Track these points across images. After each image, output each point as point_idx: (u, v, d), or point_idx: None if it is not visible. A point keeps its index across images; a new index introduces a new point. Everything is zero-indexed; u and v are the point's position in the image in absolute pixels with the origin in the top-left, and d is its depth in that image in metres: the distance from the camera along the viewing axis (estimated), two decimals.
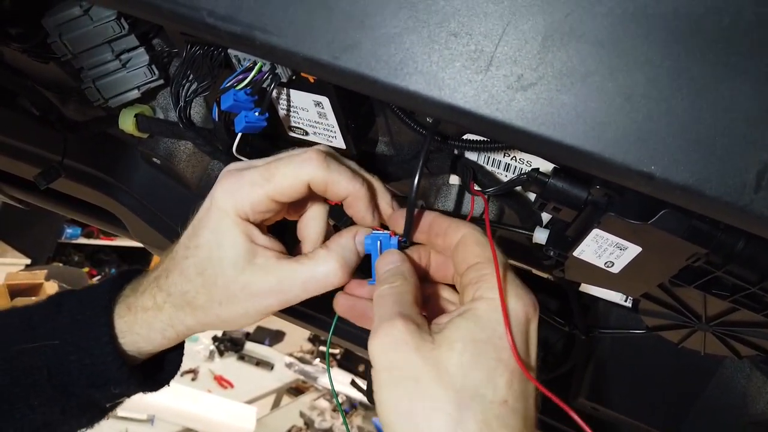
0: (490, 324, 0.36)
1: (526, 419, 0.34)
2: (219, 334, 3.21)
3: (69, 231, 3.77)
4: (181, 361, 0.53)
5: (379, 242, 0.43)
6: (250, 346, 3.29)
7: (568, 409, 0.34)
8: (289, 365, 3.22)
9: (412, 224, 0.42)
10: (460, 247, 0.41)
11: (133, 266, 0.52)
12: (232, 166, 0.43)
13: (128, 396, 0.49)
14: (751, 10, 0.30)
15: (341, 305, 0.44)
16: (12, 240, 3.51)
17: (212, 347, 3.10)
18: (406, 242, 0.43)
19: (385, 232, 0.43)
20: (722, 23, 0.30)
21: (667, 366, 0.61)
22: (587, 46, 0.32)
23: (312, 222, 0.46)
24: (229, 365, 3.06)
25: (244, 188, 0.41)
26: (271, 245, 0.43)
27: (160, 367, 0.51)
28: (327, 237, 0.46)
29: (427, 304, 0.44)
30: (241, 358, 3.17)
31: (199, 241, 0.43)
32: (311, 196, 0.43)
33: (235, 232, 0.42)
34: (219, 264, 0.42)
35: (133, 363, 0.47)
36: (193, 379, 2.78)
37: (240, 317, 0.44)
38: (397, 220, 0.43)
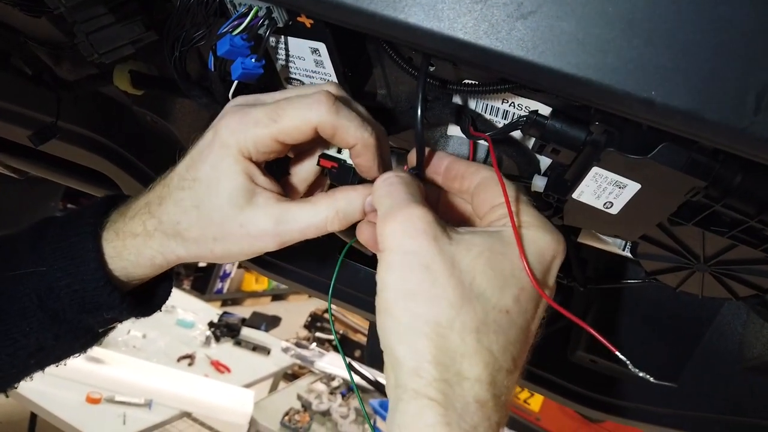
0: (512, 244, 0.36)
1: (523, 335, 0.35)
2: (215, 320, 3.20)
3: None
4: (171, 289, 0.53)
5: None
6: (247, 332, 3.29)
7: (585, 325, 0.35)
8: (285, 350, 3.22)
9: (423, 154, 0.42)
10: (480, 190, 0.41)
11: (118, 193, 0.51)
12: (239, 99, 0.43)
13: (120, 321, 0.50)
14: None
15: (366, 234, 0.42)
16: None
17: (208, 333, 3.10)
18: (418, 174, 0.43)
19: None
20: None
21: (665, 316, 0.62)
22: None
23: (307, 160, 0.46)
24: (225, 350, 3.06)
25: (249, 127, 0.41)
26: (270, 186, 0.43)
27: (150, 294, 0.51)
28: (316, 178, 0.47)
29: None
30: (238, 343, 3.17)
31: (197, 174, 0.42)
32: (318, 139, 0.43)
33: (236, 170, 0.41)
34: (217, 200, 0.42)
35: (124, 288, 0.47)
36: (189, 365, 2.78)
37: (233, 254, 0.44)
38: (409, 158, 0.43)
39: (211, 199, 0.42)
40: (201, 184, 0.42)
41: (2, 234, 0.48)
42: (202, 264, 5.09)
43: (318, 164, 0.45)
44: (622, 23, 0.32)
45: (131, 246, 0.45)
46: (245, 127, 0.41)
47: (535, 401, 2.76)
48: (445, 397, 0.32)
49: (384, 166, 0.43)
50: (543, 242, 0.37)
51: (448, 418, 0.32)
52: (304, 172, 0.47)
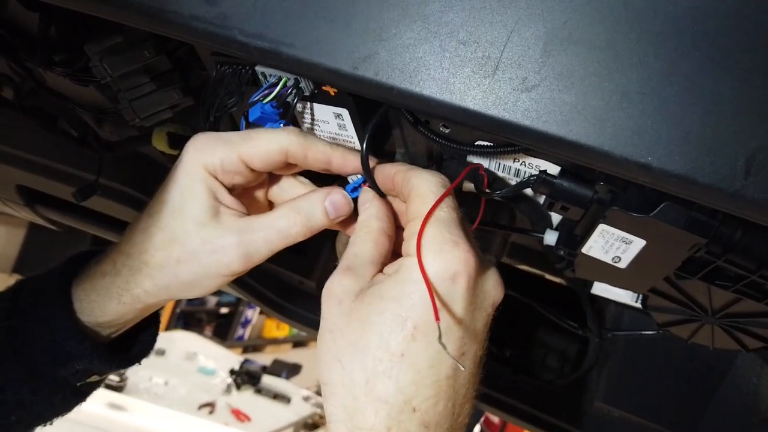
0: (404, 282, 0.36)
1: (429, 372, 0.34)
2: (236, 367, 3.21)
3: None
4: (154, 340, 0.52)
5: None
6: (267, 380, 3.29)
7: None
8: (306, 399, 3.20)
9: (368, 166, 0.43)
10: (409, 201, 0.40)
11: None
12: (210, 132, 0.45)
13: (99, 374, 0.48)
14: (735, 13, 0.33)
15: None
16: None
17: (229, 380, 3.11)
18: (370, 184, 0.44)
19: (359, 178, 0.45)
20: (707, 25, 0.33)
21: (681, 367, 0.62)
22: (585, 49, 0.35)
23: (286, 186, 0.47)
24: (246, 399, 3.06)
25: (218, 145, 0.42)
26: (235, 206, 0.44)
27: (131, 345, 0.50)
28: None
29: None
30: (258, 391, 3.17)
31: (163, 196, 0.42)
32: (295, 182, 0.46)
33: (201, 187, 0.42)
34: (180, 218, 0.42)
35: (96, 338, 0.46)
36: (210, 413, 2.79)
37: (200, 278, 0.42)
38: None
39: (175, 219, 0.42)
40: (166, 205, 0.42)
41: None
42: (224, 310, 5.14)
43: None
44: (617, 95, 0.34)
45: (99, 286, 0.44)
46: (214, 145, 0.42)
47: None
48: None
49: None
50: (435, 265, 0.35)
51: None
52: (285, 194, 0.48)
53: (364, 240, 0.40)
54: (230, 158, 0.42)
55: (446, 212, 0.38)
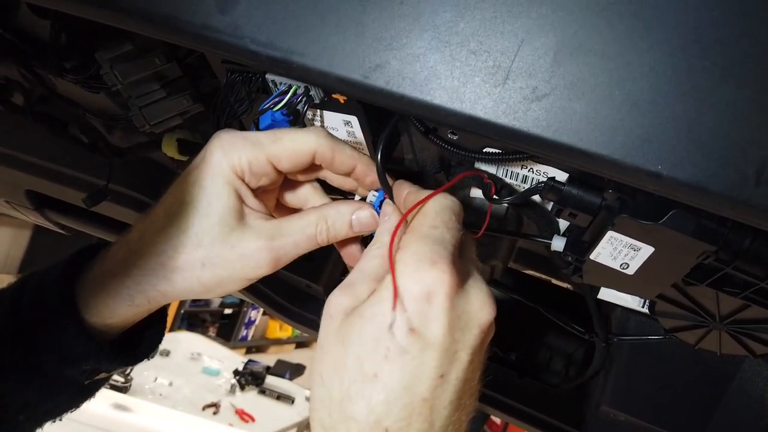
0: (381, 301, 0.35)
1: (404, 392, 0.33)
2: (240, 368, 3.22)
3: None
4: (161, 336, 0.51)
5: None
6: (271, 380, 3.29)
7: None
8: (309, 399, 3.21)
9: (386, 179, 0.44)
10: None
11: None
12: (229, 130, 0.43)
13: (107, 372, 0.47)
14: (745, 23, 0.33)
15: None
16: None
17: (233, 381, 3.12)
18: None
19: (380, 195, 0.45)
20: (717, 34, 0.33)
21: (687, 372, 0.63)
22: (595, 58, 0.35)
23: (303, 189, 0.47)
24: (250, 399, 3.06)
25: (246, 146, 0.40)
26: (260, 208, 0.43)
27: (138, 342, 0.48)
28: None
29: None
30: (262, 392, 3.18)
31: (184, 196, 0.40)
32: (307, 185, 0.45)
33: (228, 189, 0.40)
34: (206, 221, 0.40)
35: (103, 336, 0.44)
36: (215, 413, 2.79)
37: (224, 281, 0.41)
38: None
39: (199, 221, 0.40)
40: (188, 206, 0.40)
41: None
42: (227, 311, 5.15)
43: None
44: (628, 104, 0.35)
45: (109, 288, 0.42)
46: (242, 145, 0.40)
47: None
48: None
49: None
50: (409, 286, 0.34)
51: None
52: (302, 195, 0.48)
53: (374, 255, 0.39)
54: (259, 160, 0.41)
55: (439, 231, 0.37)
